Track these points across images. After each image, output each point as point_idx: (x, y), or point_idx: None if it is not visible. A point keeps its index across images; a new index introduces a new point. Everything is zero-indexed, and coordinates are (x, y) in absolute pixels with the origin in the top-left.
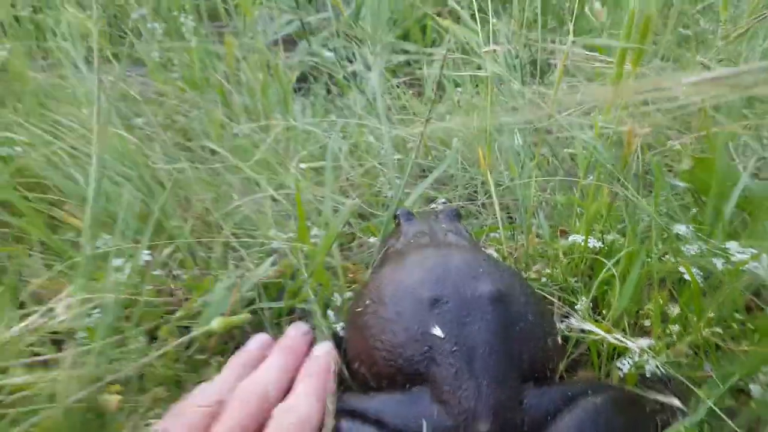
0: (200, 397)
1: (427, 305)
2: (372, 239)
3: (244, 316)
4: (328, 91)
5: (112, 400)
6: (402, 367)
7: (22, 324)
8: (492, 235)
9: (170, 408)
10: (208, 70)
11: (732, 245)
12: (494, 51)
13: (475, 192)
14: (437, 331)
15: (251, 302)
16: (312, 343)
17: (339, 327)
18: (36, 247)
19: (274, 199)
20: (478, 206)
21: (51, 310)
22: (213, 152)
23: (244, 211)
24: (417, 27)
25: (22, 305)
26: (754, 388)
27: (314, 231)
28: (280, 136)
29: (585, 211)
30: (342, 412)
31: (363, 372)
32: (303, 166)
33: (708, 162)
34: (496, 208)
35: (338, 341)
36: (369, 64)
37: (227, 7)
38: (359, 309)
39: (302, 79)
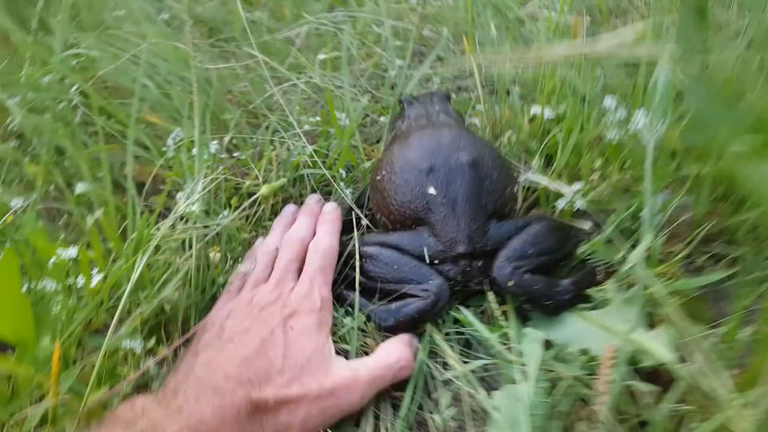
0: (264, 246)
1: (425, 173)
2: (381, 118)
3: (281, 181)
4: None
5: (215, 253)
6: (410, 215)
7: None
8: (477, 107)
9: (246, 253)
10: None
11: (639, 112)
12: None
13: (464, 71)
14: (432, 191)
15: (296, 169)
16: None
17: (349, 193)
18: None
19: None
20: (467, 83)
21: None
22: (238, 46)
23: (277, 99)
24: None
25: (119, 185)
26: (644, 213)
27: (338, 114)
28: (300, 30)
29: (544, 87)
30: (369, 243)
31: (383, 220)
32: (322, 56)
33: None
34: (479, 85)
35: (363, 200)
36: None
37: None
38: (378, 177)
39: None
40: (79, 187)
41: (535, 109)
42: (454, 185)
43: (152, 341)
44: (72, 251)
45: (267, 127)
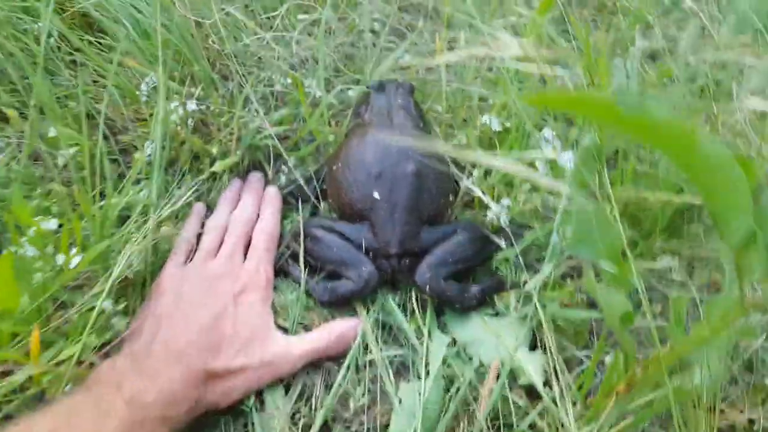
0: (213, 221)
1: (374, 177)
2: (350, 91)
3: (233, 159)
4: None
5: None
6: (355, 212)
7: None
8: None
9: (186, 219)
10: None
11: (567, 154)
12: None
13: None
14: (376, 195)
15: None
16: (264, 183)
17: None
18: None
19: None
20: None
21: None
22: None
23: (252, 52)
24: None
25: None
26: (554, 238)
27: (308, 81)
28: None
29: (496, 102)
30: (316, 226)
31: (334, 205)
32: (301, 16)
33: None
34: (443, 85)
35: (321, 175)
36: None
37: None
38: (335, 168)
39: None
40: (51, 131)
41: (485, 118)
42: (396, 193)
43: (122, 303)
44: (51, 224)
45: (240, 79)
